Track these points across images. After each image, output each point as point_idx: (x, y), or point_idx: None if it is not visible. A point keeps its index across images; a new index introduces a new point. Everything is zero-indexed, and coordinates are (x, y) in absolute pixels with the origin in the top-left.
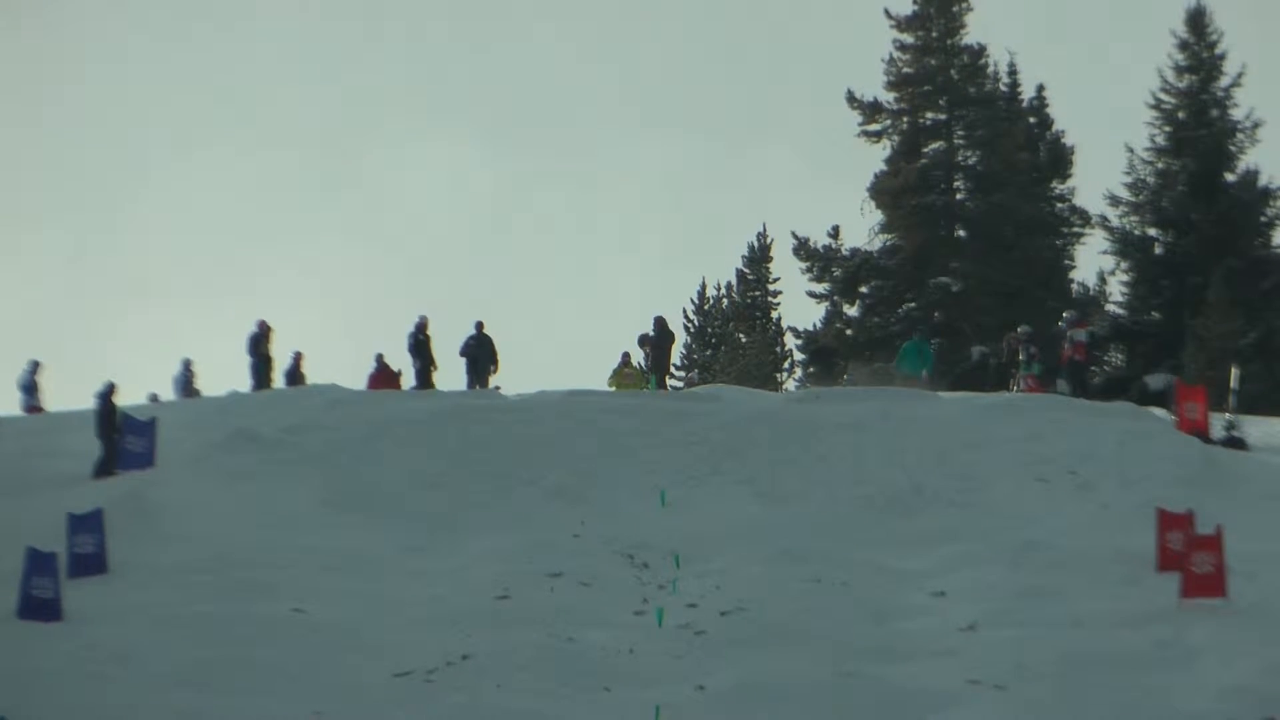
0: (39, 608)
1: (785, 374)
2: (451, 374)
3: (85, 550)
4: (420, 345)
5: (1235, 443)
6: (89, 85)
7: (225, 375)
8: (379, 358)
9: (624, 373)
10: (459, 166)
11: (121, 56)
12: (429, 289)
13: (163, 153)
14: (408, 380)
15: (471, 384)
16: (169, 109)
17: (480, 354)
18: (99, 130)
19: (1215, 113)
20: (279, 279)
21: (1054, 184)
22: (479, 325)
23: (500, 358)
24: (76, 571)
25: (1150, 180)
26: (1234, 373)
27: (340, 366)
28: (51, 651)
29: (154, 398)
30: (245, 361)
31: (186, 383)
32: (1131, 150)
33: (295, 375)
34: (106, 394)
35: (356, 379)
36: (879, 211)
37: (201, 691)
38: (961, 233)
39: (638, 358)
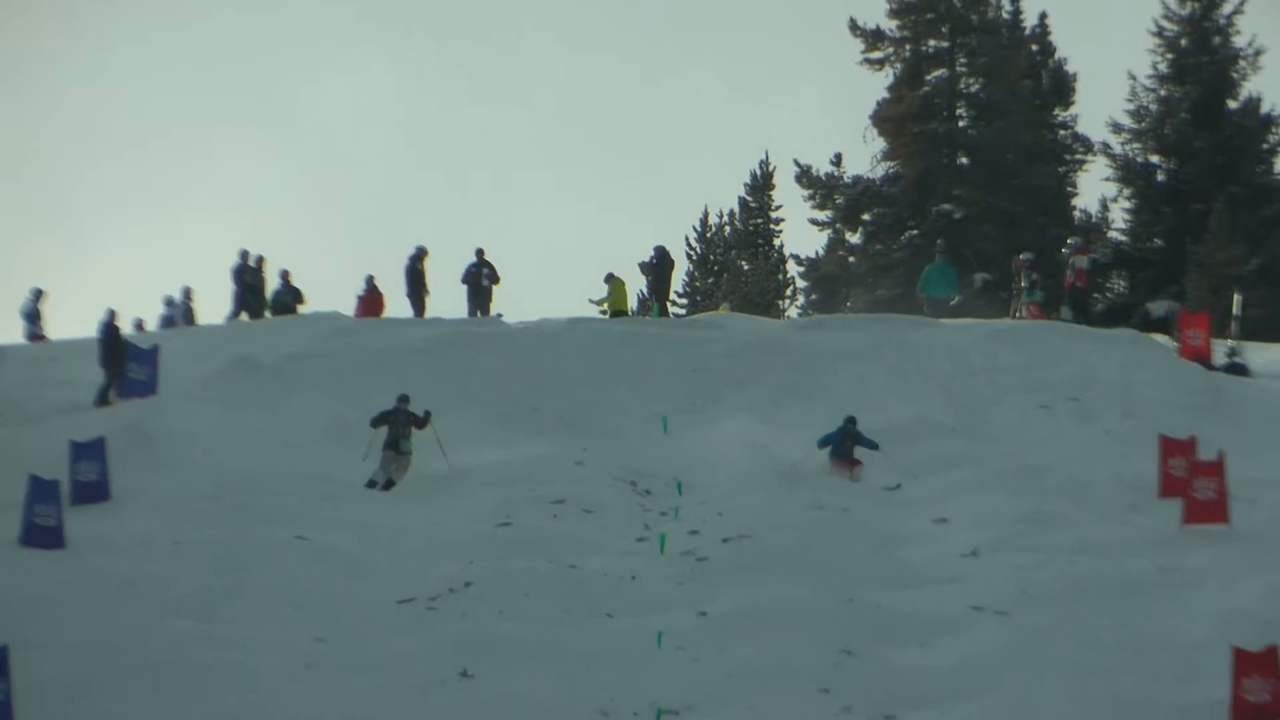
0: (42, 535)
1: (788, 301)
2: (445, 303)
3: (88, 478)
4: (416, 274)
5: (1237, 369)
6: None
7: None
8: (369, 279)
9: (615, 293)
10: (453, 89)
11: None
12: (428, 221)
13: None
14: (396, 307)
15: (473, 311)
16: (82, 35)
17: (481, 281)
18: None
19: (1217, 40)
20: (220, 204)
21: (1056, 111)
22: (479, 252)
23: (501, 278)
24: (79, 499)
25: (1152, 107)
26: (1236, 299)
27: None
28: (54, 579)
29: (139, 325)
30: (230, 291)
31: (186, 311)
32: (1134, 77)
33: (287, 293)
34: (109, 322)
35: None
36: (881, 139)
37: (203, 618)
38: (964, 160)
39: (640, 284)
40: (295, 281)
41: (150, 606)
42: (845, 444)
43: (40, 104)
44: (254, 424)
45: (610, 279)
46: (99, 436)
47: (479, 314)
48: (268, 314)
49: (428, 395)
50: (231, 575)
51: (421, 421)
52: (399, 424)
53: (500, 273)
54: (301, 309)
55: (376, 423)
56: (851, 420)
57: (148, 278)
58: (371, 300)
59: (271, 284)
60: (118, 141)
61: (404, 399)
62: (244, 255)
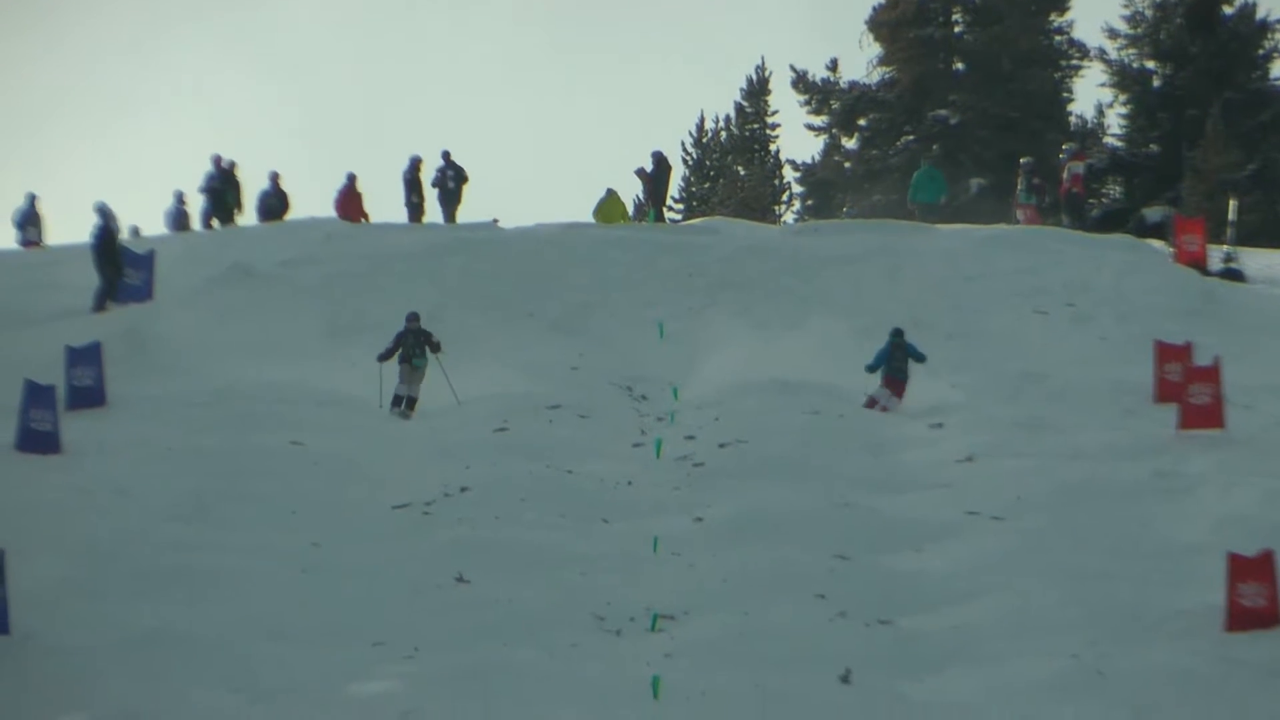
0: (37, 440)
1: (783, 207)
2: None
3: (84, 383)
4: (414, 183)
5: (1233, 275)
6: None
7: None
8: (350, 176)
9: (606, 207)
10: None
11: None
12: (417, 129)
13: None
14: (376, 210)
15: (447, 217)
16: None
17: (452, 184)
18: None
19: None
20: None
21: (1052, 17)
22: (445, 155)
23: (469, 179)
24: (75, 404)
25: (1148, 13)
26: (1232, 205)
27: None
28: (49, 484)
29: (135, 231)
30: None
31: (179, 217)
32: None
33: (274, 196)
34: (105, 226)
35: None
36: (877, 44)
37: (199, 524)
38: (959, 65)
39: (636, 190)
40: (284, 185)
41: (145, 511)
42: (896, 356)
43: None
44: (249, 330)
45: (608, 192)
46: (95, 342)
47: (449, 218)
48: (237, 216)
49: (422, 301)
50: (227, 480)
51: (435, 344)
52: (409, 344)
53: (469, 174)
54: (287, 215)
55: (392, 348)
56: (898, 333)
57: (130, 183)
58: (349, 197)
59: (251, 187)
60: (88, 49)
61: (413, 317)
62: (216, 161)
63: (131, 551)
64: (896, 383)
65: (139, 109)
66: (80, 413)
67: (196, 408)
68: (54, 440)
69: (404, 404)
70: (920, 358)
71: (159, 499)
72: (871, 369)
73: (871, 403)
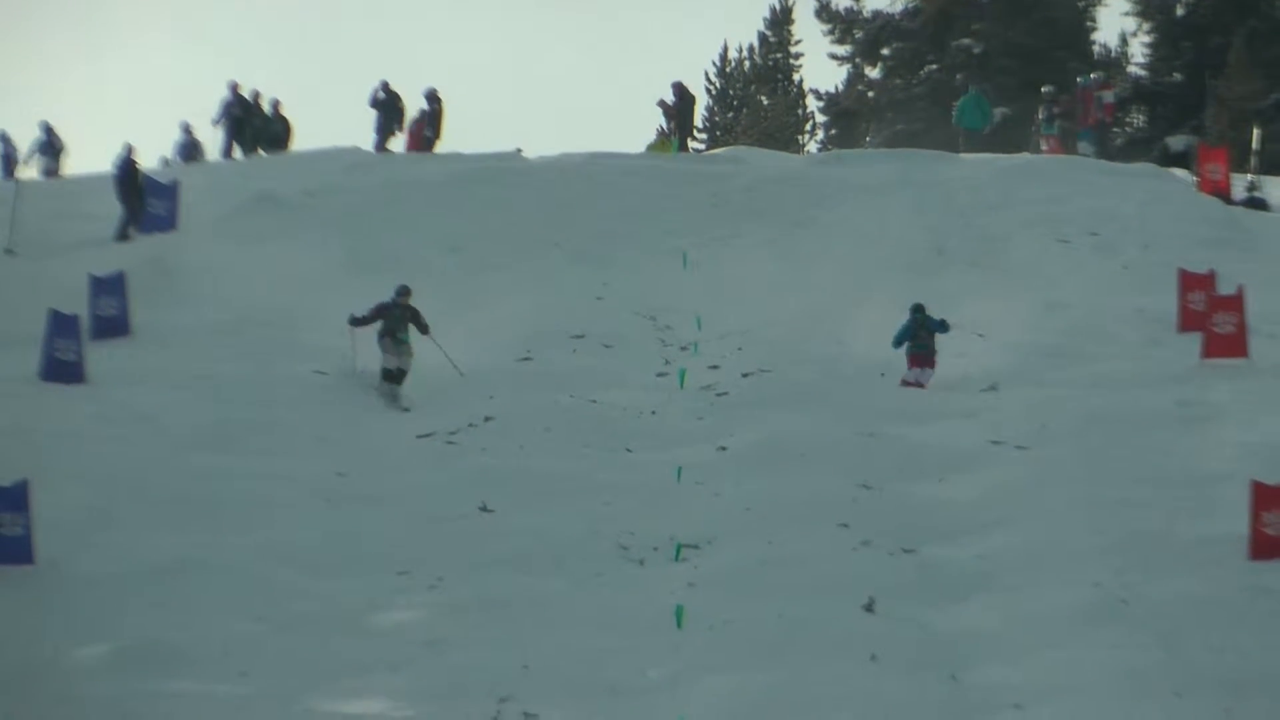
0: (62, 369)
1: (807, 136)
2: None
3: (108, 313)
4: (433, 115)
5: (1257, 203)
6: None
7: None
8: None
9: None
10: None
11: None
12: (437, 60)
13: None
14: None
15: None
16: None
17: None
18: None
19: None
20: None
21: None
22: (384, 85)
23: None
24: (99, 334)
25: None
26: (1255, 134)
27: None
28: (74, 413)
29: (165, 162)
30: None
31: (190, 148)
32: None
33: (277, 122)
34: (126, 157)
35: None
36: None
37: (223, 452)
38: None
39: (659, 122)
40: (284, 113)
41: (170, 441)
42: (920, 336)
43: None
44: (274, 259)
45: (659, 134)
46: (119, 271)
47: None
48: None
49: (447, 230)
50: (251, 409)
51: (423, 325)
52: (395, 319)
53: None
54: (290, 143)
55: (369, 318)
56: (919, 308)
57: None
58: (420, 130)
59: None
60: None
61: (404, 291)
62: (233, 88)
63: (156, 480)
64: (923, 357)
65: (132, 36)
66: (105, 342)
67: (221, 337)
68: (79, 370)
69: (397, 377)
70: (943, 328)
71: (183, 428)
72: (897, 344)
73: (907, 383)
